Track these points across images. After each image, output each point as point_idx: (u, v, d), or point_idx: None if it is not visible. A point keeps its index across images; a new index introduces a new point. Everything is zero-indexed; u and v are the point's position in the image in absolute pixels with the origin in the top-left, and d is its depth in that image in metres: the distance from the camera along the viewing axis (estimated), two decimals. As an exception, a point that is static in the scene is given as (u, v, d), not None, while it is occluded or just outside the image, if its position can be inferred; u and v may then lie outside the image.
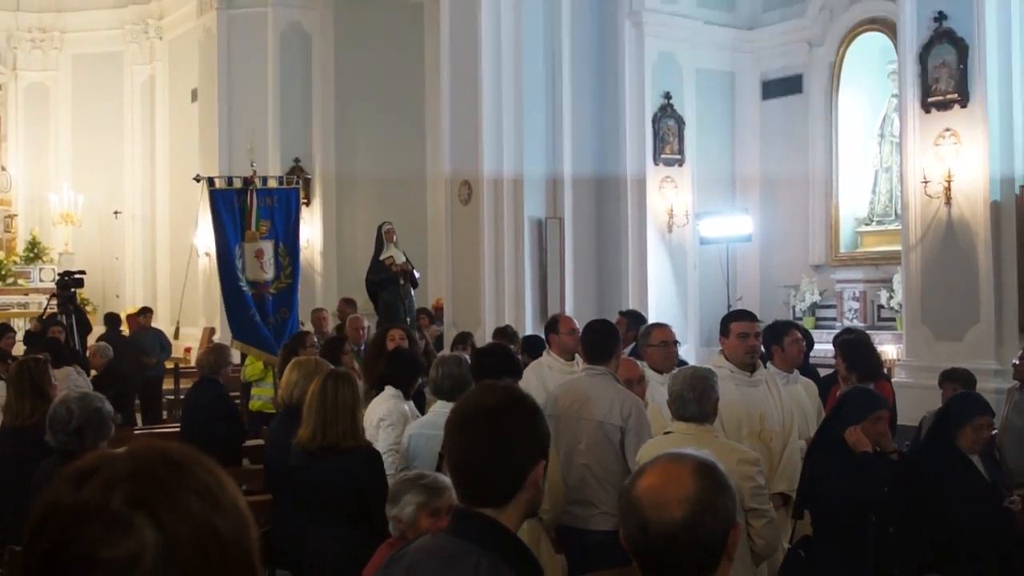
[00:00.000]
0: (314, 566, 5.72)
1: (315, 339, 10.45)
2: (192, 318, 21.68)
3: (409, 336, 8.81)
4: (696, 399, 5.33)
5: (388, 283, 14.70)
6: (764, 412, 6.33)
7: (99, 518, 1.23)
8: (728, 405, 6.04)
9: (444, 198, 17.27)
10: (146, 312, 17.95)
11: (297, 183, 12.67)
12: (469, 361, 6.56)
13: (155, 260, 25.62)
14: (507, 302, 15.72)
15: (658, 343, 7.48)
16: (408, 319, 14.02)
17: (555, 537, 6.25)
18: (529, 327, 15.31)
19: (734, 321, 6.51)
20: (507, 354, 6.61)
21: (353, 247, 20.58)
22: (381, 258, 14.94)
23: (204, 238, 21.54)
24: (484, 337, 12.91)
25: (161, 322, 24.29)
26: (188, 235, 22.70)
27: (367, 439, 5.94)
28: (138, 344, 16.12)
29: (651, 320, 12.66)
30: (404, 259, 14.94)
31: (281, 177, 13.87)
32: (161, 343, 17.09)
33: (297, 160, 20.74)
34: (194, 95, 23.16)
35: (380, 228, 15.23)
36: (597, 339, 6.78)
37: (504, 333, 10.55)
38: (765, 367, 6.81)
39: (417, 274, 15.07)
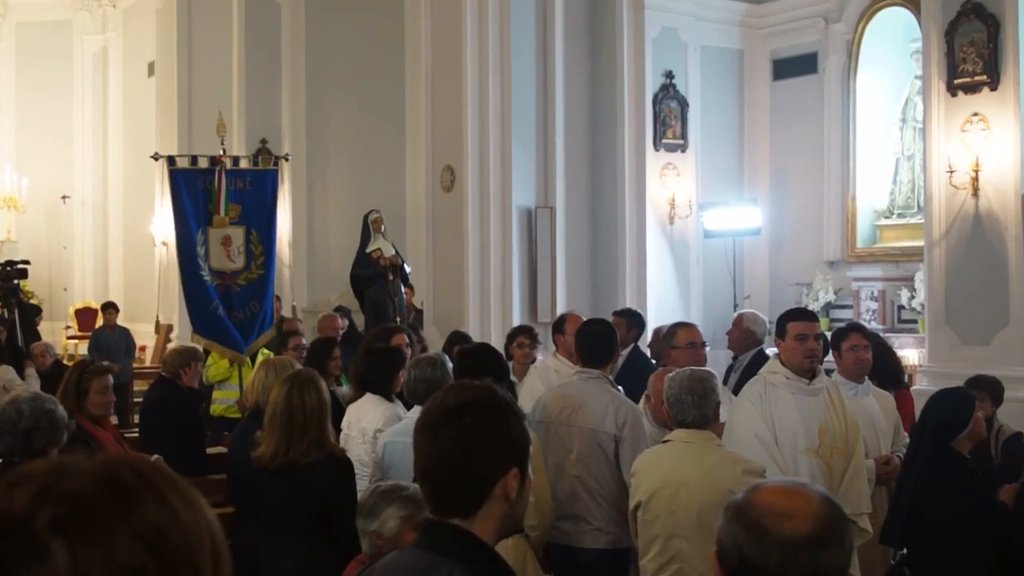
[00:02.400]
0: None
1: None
2: (149, 314, 21.61)
3: (410, 340, 8.68)
4: (695, 403, 5.34)
5: (376, 278, 14.44)
6: (823, 426, 6.15)
7: (18, 534, 1.21)
8: (782, 416, 6.05)
9: (425, 184, 17.24)
10: (110, 309, 17.77)
11: (275, 164, 12.43)
12: (450, 363, 6.54)
13: (107, 250, 25.58)
14: (493, 299, 15.71)
15: (685, 345, 7.38)
16: (398, 318, 13.86)
17: (543, 556, 6.27)
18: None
19: (791, 321, 6.36)
20: (494, 355, 6.61)
21: (324, 237, 20.60)
22: (368, 251, 14.67)
23: (162, 226, 21.52)
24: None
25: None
26: (144, 223, 22.69)
27: (337, 446, 5.93)
28: (105, 345, 16.08)
29: (650, 321, 12.71)
30: (393, 251, 14.72)
31: (255, 157, 13.62)
32: (128, 344, 17.05)
33: (264, 141, 20.70)
34: (151, 69, 23.12)
35: (366, 217, 14.99)
36: (595, 341, 6.80)
37: (463, 339, 10.31)
38: (829, 375, 6.65)
39: (408, 268, 14.89)
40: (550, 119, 15.90)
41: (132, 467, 1.30)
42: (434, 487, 2.63)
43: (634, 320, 10.07)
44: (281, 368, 6.75)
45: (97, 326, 19.20)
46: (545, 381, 7.81)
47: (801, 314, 6.58)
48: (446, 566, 2.50)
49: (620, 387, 6.79)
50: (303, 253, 21.21)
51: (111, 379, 7.18)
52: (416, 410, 6.30)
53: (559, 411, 6.53)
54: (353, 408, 6.94)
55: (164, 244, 21.58)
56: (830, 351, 7.41)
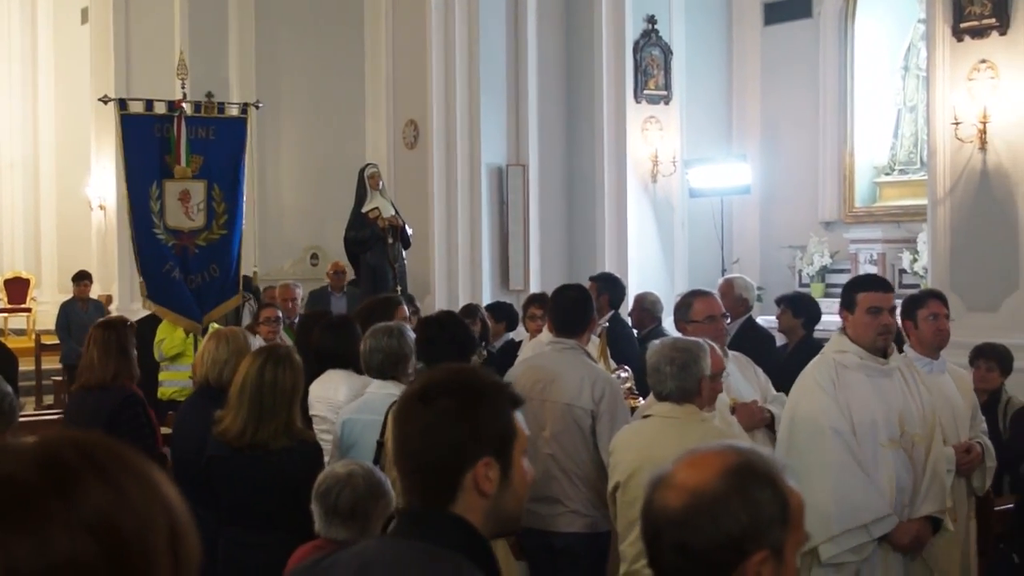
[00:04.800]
0: (228, 575, 5.69)
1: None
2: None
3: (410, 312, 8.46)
4: (675, 374, 5.31)
5: (373, 241, 14.09)
6: (903, 411, 5.84)
7: None
8: (858, 403, 5.77)
9: (386, 141, 17.20)
10: (83, 280, 17.34)
11: (243, 113, 12.11)
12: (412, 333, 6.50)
13: (39, 215, 25.41)
14: (461, 264, 15.72)
15: (703, 318, 6.85)
16: (399, 287, 13.50)
17: (515, 542, 6.28)
18: (487, 294, 15.32)
19: (862, 291, 5.95)
20: (458, 325, 6.58)
21: (278, 199, 20.48)
22: (364, 210, 14.28)
23: (99, 188, 21.40)
24: (434, 308, 12.90)
25: (47, 290, 24.19)
26: (79, 185, 22.55)
27: (307, 431, 5.90)
28: (77, 321, 15.86)
29: (631, 287, 12.70)
30: (393, 211, 14.37)
31: (221, 104, 13.22)
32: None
33: (210, 95, 20.52)
34: (84, 16, 22.91)
35: (362, 172, 14.47)
36: (569, 308, 6.80)
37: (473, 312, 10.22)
38: (901, 351, 6.35)
39: (410, 230, 14.52)
40: (522, 69, 15.87)
41: (76, 445, 1.28)
42: (404, 478, 2.65)
43: (608, 285, 10.03)
44: (233, 339, 6.71)
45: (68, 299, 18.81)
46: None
47: (874, 283, 6.16)
48: (447, 557, 2.49)
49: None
50: (253, 217, 21.06)
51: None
52: (377, 384, 6.30)
53: (531, 385, 6.51)
54: (317, 386, 6.89)
55: (102, 208, 21.47)
56: (903, 324, 6.90)
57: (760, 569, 2.17)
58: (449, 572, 2.47)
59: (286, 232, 19.96)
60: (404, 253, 14.26)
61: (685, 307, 7.04)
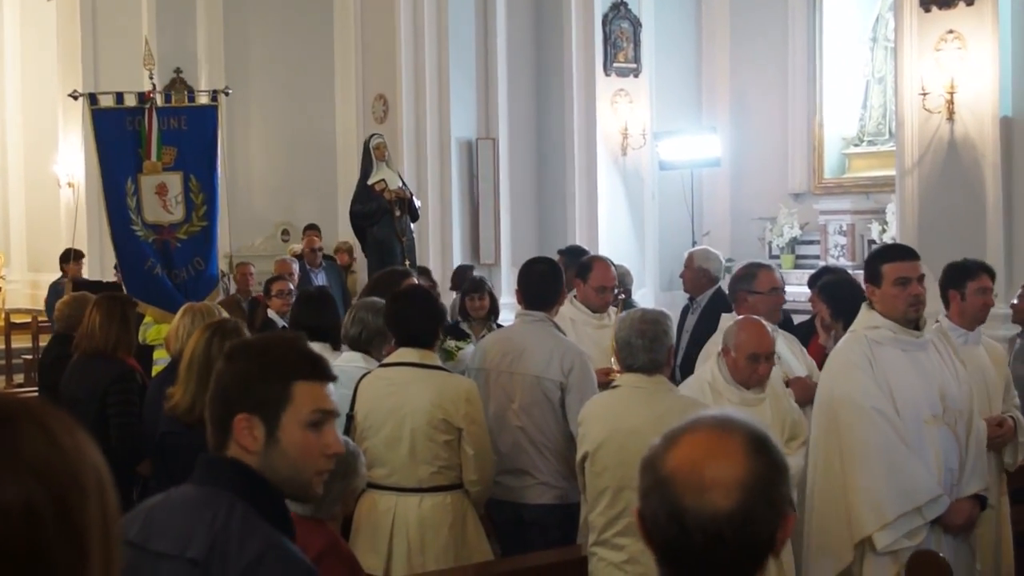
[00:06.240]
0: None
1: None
2: (55, 263, 21.38)
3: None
4: (646, 346, 5.35)
5: (380, 214, 13.64)
6: (943, 386, 5.62)
7: None
8: (898, 379, 5.55)
9: (356, 115, 17.15)
10: (74, 259, 16.84)
11: (214, 100, 11.93)
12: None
13: (7, 193, 25.22)
14: (431, 238, 15.71)
15: (767, 290, 6.87)
16: (408, 261, 13.13)
17: (485, 513, 6.30)
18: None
19: (887, 262, 5.68)
20: (427, 299, 6.58)
21: (247, 175, 20.39)
22: (370, 182, 13.79)
23: (67, 165, 21.27)
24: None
25: (16, 269, 24.04)
26: (47, 162, 22.41)
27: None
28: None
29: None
30: (400, 183, 13.94)
31: (191, 93, 13.01)
32: None
33: (178, 71, 20.46)
34: (51, -8, 22.74)
35: (367, 143, 14.00)
36: (538, 281, 6.81)
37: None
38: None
39: (418, 203, 14.09)
40: (491, 42, 15.84)
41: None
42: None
43: (573, 257, 9.96)
44: (208, 314, 6.69)
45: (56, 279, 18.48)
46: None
47: (899, 252, 5.86)
48: (226, 498, 2.71)
49: None
50: (223, 193, 20.96)
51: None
52: (346, 357, 6.33)
53: (500, 357, 6.54)
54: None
55: (71, 185, 21.33)
56: (945, 292, 6.73)
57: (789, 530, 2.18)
58: (222, 511, 2.69)
59: (256, 208, 19.89)
60: (412, 226, 13.91)
61: (749, 277, 6.93)
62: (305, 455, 2.79)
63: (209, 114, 11.61)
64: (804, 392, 6.43)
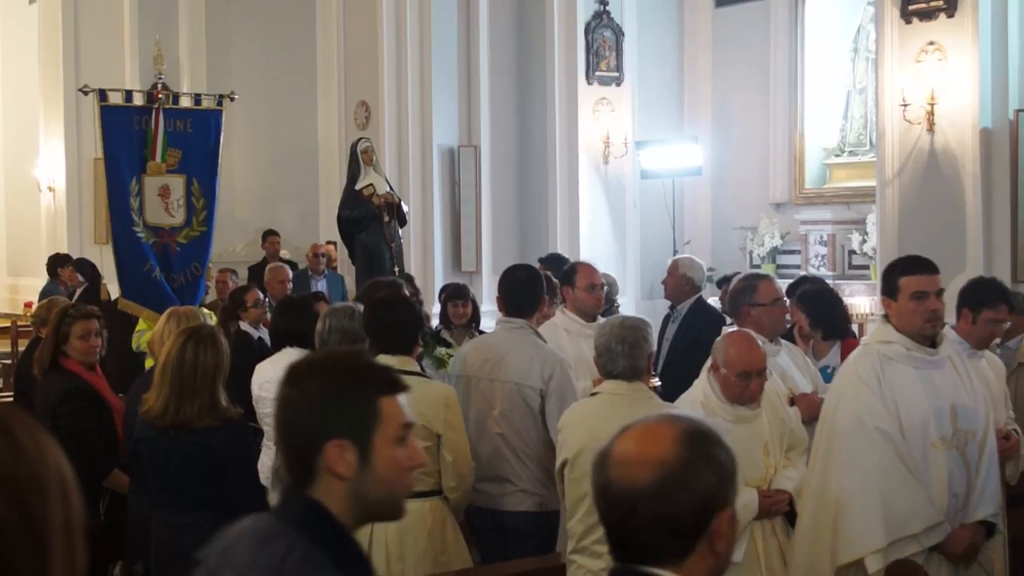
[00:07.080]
0: (160, 558, 5.67)
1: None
2: (35, 267, 21.30)
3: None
4: (626, 352, 5.37)
5: (368, 220, 13.43)
6: (956, 405, 5.43)
7: None
8: (906, 400, 5.37)
9: (338, 122, 17.14)
10: (66, 264, 16.75)
11: (219, 104, 11.79)
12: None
13: (-14, 198, 25.15)
14: (413, 246, 15.69)
15: (770, 301, 6.61)
16: (397, 268, 13.15)
17: (465, 520, 6.30)
18: (439, 276, 15.32)
19: (905, 275, 5.49)
20: (406, 306, 6.57)
21: (229, 181, 20.31)
22: (358, 187, 13.57)
23: (47, 169, 21.21)
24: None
25: (-3, 273, 23.97)
26: (27, 165, 22.33)
27: (232, 408, 5.86)
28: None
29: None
30: (388, 188, 13.72)
31: (197, 95, 12.83)
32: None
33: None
34: (32, -5, 22.69)
35: (354, 147, 13.77)
36: (519, 288, 6.81)
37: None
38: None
39: (406, 208, 13.93)
40: (473, 50, 15.85)
41: None
42: (280, 457, 2.74)
43: (553, 265, 9.93)
44: (192, 318, 6.67)
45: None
46: (554, 342, 7.17)
47: (918, 265, 5.59)
48: (286, 534, 2.56)
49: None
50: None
51: (97, 324, 7.24)
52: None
53: (480, 364, 6.55)
54: (267, 366, 6.87)
55: (51, 189, 21.27)
56: (959, 308, 6.74)
57: (726, 524, 2.26)
58: (281, 549, 2.52)
59: (238, 213, 19.87)
60: (400, 232, 13.75)
61: (750, 290, 6.66)
62: (398, 473, 2.69)
63: (214, 118, 11.47)
64: (810, 410, 6.21)
